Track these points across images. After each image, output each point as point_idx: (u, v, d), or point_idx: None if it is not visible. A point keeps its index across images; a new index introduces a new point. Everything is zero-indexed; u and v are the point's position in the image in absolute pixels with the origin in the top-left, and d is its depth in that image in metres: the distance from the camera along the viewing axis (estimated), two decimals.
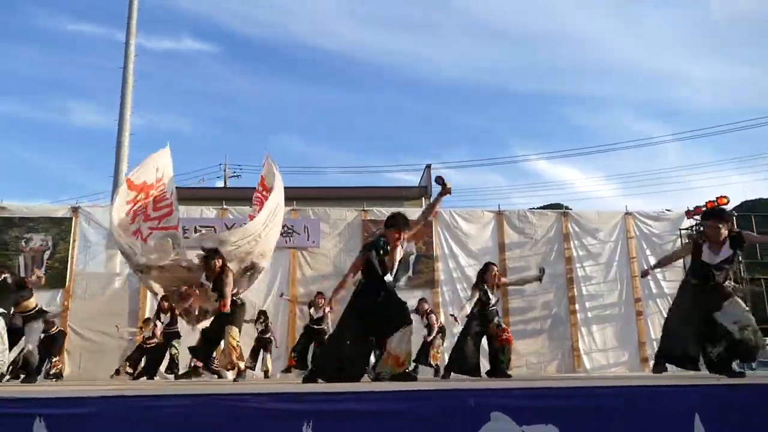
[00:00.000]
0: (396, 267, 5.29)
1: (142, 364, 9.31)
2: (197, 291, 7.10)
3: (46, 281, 8.24)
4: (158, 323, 9.30)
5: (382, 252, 5.17)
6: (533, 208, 15.69)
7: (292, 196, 12.27)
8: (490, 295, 7.46)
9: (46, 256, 10.43)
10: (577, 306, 11.47)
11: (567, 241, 11.79)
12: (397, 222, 5.16)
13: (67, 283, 10.46)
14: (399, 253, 5.26)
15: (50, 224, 10.82)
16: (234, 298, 6.49)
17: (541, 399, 2.75)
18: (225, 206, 11.80)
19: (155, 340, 9.27)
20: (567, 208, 14.02)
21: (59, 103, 59.42)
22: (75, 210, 11.15)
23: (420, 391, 2.90)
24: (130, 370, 9.25)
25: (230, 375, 8.05)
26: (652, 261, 10.45)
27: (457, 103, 69.52)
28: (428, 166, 17.88)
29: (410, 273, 11.19)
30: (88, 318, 10.37)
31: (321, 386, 3.91)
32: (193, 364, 9.02)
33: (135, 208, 6.95)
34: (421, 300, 9.92)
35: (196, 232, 10.97)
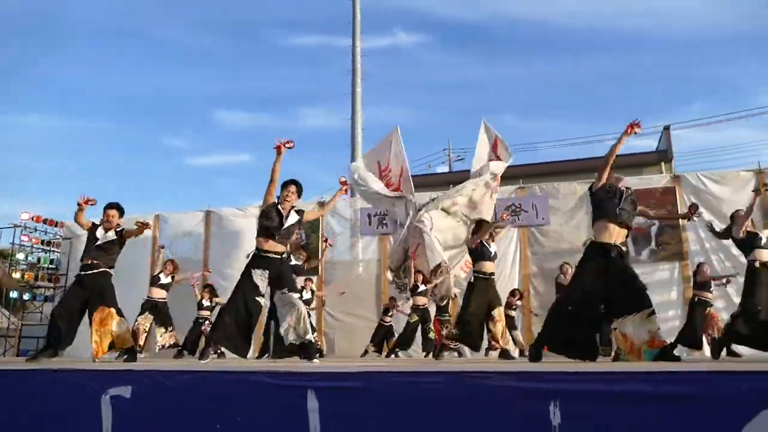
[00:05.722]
0: None
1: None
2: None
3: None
4: (400, 303, 9.93)
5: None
6: None
7: (517, 174, 12.06)
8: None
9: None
10: None
11: None
12: None
13: (318, 271, 11.57)
14: None
15: None
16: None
17: None
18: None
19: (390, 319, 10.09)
20: None
21: (291, 111, 66.74)
22: (320, 204, 12.35)
23: (674, 373, 2.63)
24: (374, 350, 9.99)
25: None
26: None
27: (688, 55, 61.59)
28: (666, 128, 16.17)
29: (653, 245, 10.24)
30: (339, 302, 11.41)
31: (566, 365, 3.73)
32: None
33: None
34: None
35: None
